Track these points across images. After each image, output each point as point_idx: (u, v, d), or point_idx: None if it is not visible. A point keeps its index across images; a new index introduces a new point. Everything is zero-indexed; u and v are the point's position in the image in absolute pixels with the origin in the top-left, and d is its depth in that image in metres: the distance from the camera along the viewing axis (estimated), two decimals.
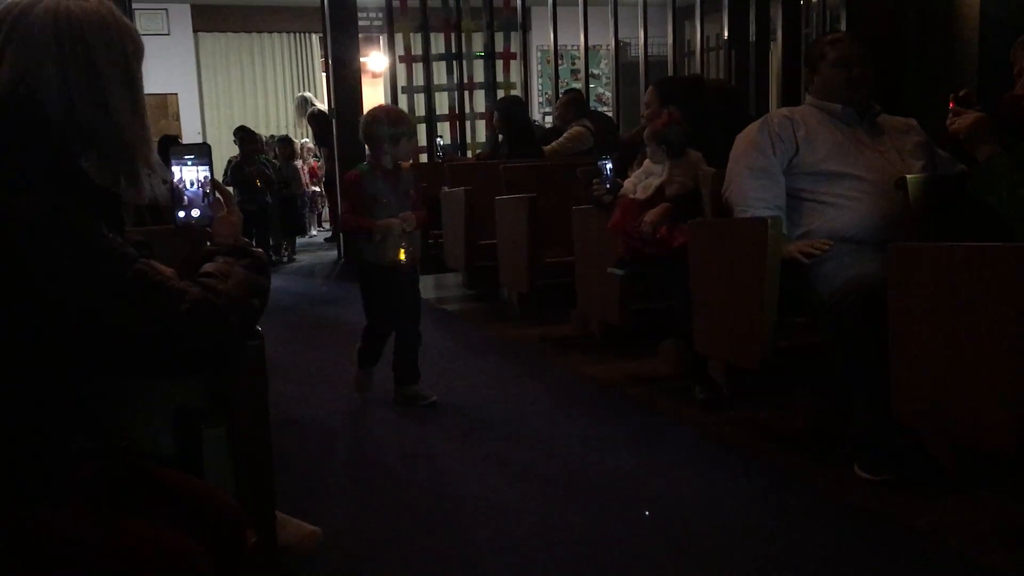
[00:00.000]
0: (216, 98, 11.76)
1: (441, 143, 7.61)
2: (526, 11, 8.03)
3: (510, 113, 6.04)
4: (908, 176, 2.60)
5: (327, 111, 8.03)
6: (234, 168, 7.96)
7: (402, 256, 3.17)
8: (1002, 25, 4.41)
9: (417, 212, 3.25)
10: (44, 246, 1.13)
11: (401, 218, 3.17)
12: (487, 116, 7.29)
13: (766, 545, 2.16)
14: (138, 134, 1.27)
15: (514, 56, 8.00)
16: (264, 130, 10.61)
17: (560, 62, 8.54)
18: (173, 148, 1.45)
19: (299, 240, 9.15)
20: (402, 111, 3.51)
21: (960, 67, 4.67)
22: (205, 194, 1.45)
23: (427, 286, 6.29)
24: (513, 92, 7.73)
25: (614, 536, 2.24)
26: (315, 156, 10.11)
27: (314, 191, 10.49)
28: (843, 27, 6.61)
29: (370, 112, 3.32)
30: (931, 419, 2.27)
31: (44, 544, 1.16)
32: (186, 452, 1.49)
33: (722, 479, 2.57)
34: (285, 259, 8.44)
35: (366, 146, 3.28)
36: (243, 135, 8.15)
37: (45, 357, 1.18)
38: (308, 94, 10.29)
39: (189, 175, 1.45)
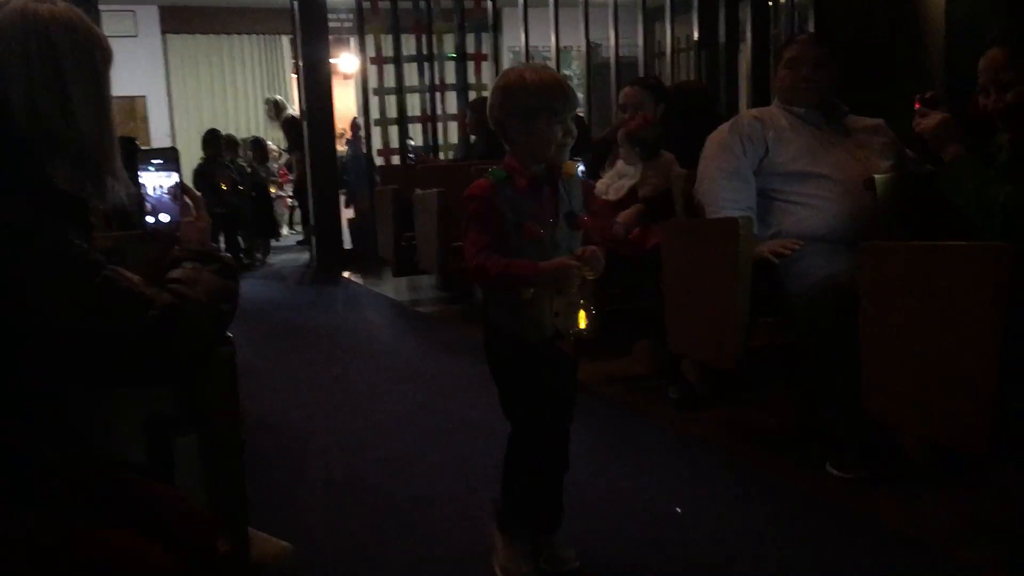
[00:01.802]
0: (185, 101, 11.67)
1: (413, 144, 7.59)
2: (497, 12, 8.03)
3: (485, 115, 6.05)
4: (876, 176, 2.63)
5: (298, 114, 7.99)
6: (197, 172, 7.87)
7: (583, 323, 1.86)
8: (968, 27, 4.47)
9: (600, 244, 1.90)
10: (9, 252, 1.11)
11: (581, 256, 1.83)
12: (459, 117, 7.29)
13: (740, 543, 2.17)
14: (103, 142, 1.26)
15: (485, 57, 7.99)
16: (236, 132, 10.53)
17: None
18: (141, 154, 1.43)
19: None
20: (558, 74, 1.95)
21: (926, 69, 4.73)
22: (174, 198, 1.44)
23: (400, 288, 6.29)
24: (485, 93, 7.73)
25: (590, 536, 2.24)
26: (286, 163, 10.07)
27: (279, 195, 10.42)
28: (811, 28, 6.67)
29: (509, 75, 1.91)
30: (903, 416, 2.29)
31: (10, 554, 1.14)
32: (157, 460, 1.48)
33: (696, 477, 2.58)
34: (258, 263, 8.38)
35: (502, 136, 1.94)
36: (207, 138, 8.08)
37: (14, 365, 1.16)
38: (279, 97, 10.21)
39: (157, 180, 1.44)
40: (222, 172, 7.90)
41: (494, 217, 1.86)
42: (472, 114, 6.11)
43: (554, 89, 1.84)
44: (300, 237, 9.76)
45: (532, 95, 1.84)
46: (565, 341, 1.90)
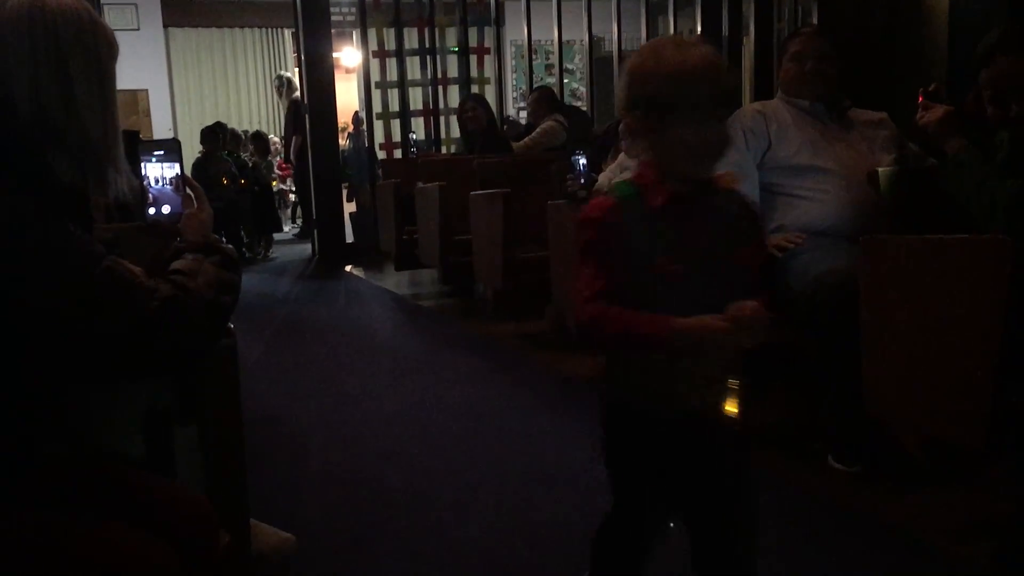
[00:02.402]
0: (187, 94, 11.67)
1: (415, 139, 7.59)
2: (499, 6, 8.03)
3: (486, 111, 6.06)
4: (879, 169, 2.62)
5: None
6: (196, 165, 7.85)
7: (733, 407, 1.37)
8: (971, 20, 4.46)
9: (760, 298, 1.31)
10: (8, 245, 1.11)
11: (736, 315, 1.26)
12: (460, 112, 7.29)
13: None
14: (106, 135, 1.26)
15: (488, 51, 7.99)
16: (238, 126, 10.52)
17: (534, 57, 8.54)
18: (143, 145, 1.43)
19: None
20: (711, 53, 1.32)
21: (929, 61, 4.73)
22: (176, 190, 1.44)
23: (402, 282, 6.29)
24: (488, 87, 7.74)
25: (587, 531, 2.24)
26: (280, 155, 10.06)
27: (281, 188, 10.42)
28: (815, 21, 6.66)
29: (642, 52, 1.36)
30: (903, 411, 2.29)
31: (11, 553, 1.14)
32: (157, 453, 1.48)
33: None
34: (260, 256, 8.37)
35: (629, 131, 1.38)
36: (205, 132, 8.06)
37: (14, 359, 1.16)
38: (290, 74, 10.10)
39: (159, 171, 1.44)
40: (220, 166, 7.88)
41: (618, 250, 1.32)
42: (481, 109, 6.07)
43: (697, 75, 1.28)
44: (298, 230, 9.73)
45: (664, 82, 1.29)
46: (725, 419, 1.37)
